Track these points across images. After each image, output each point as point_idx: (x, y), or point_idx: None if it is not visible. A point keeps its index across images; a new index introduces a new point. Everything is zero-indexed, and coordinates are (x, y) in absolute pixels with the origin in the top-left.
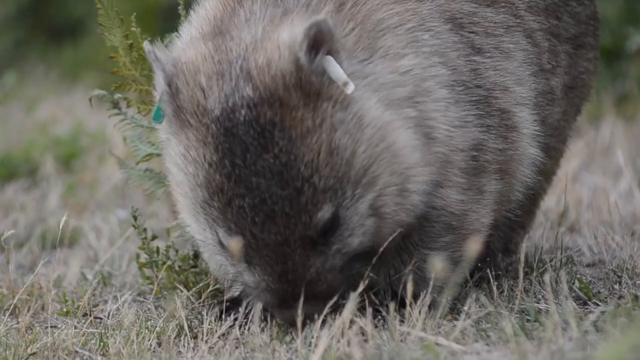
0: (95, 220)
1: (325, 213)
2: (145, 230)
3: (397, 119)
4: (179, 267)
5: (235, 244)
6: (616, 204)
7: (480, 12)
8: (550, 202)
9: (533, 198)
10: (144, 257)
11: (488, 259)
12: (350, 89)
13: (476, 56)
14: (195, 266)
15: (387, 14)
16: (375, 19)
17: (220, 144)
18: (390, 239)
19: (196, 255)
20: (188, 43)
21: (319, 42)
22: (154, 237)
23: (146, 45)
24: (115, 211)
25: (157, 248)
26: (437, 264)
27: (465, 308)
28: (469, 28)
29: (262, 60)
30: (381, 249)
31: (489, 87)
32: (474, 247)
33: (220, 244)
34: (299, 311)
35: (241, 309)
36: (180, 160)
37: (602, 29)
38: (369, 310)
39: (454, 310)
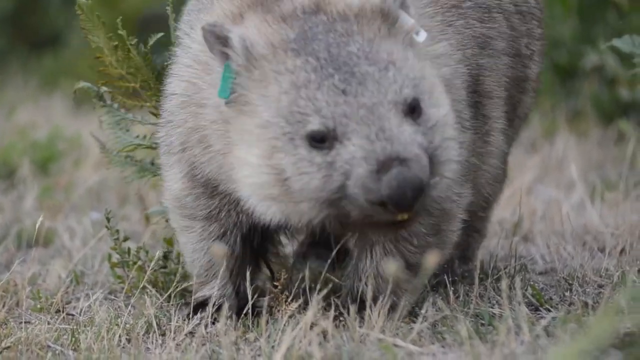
0: (69, 221)
1: (410, 93)
2: (117, 231)
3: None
4: (149, 267)
5: (219, 248)
6: (568, 215)
7: None
8: (505, 213)
9: (487, 203)
10: (115, 258)
11: (445, 266)
12: (422, 36)
13: (478, 58)
14: (164, 267)
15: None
16: None
17: (303, 49)
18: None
19: (165, 257)
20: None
21: None
22: (125, 239)
23: (207, 27)
24: (89, 213)
25: (129, 249)
26: (391, 266)
27: (423, 311)
28: (471, 17)
29: None
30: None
31: (481, 94)
32: (433, 260)
33: (309, 139)
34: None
35: (208, 309)
36: (253, 97)
37: (558, 48)
38: (331, 312)
39: (412, 313)
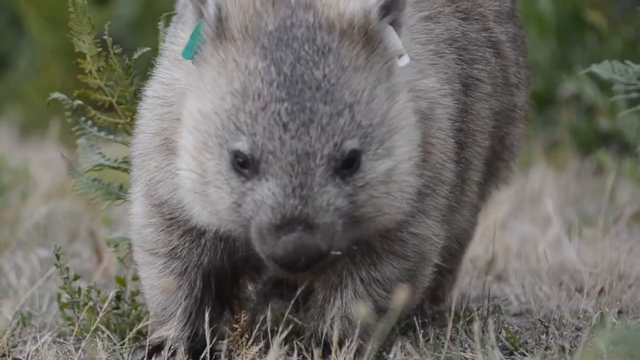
0: (15, 258)
1: (352, 145)
2: (67, 269)
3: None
4: (101, 308)
5: (168, 283)
6: (545, 253)
7: (467, 30)
8: (478, 250)
9: (461, 244)
10: (65, 298)
11: (415, 307)
12: (404, 61)
13: (463, 95)
14: (117, 307)
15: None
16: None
17: (270, 52)
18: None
19: (118, 297)
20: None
21: (389, 7)
22: (76, 277)
23: None
24: (36, 250)
25: (79, 288)
26: (361, 310)
27: (391, 356)
28: (461, 55)
29: None
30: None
31: (466, 133)
32: (401, 296)
33: (232, 157)
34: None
35: (164, 353)
36: (208, 78)
37: (534, 74)
38: (294, 356)
39: (380, 358)
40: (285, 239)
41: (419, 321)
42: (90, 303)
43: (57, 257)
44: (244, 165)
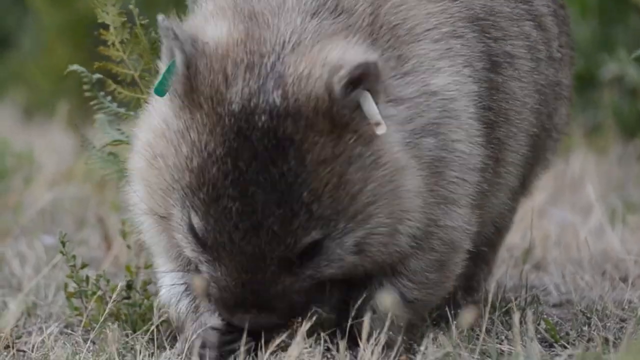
0: (19, 246)
1: (310, 239)
2: (74, 257)
3: (413, 160)
4: (110, 297)
5: (200, 281)
6: (586, 240)
7: (495, 6)
8: (515, 238)
9: (498, 232)
10: (72, 287)
11: (448, 296)
12: (381, 130)
13: (492, 73)
14: (128, 297)
15: (422, 16)
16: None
17: (229, 140)
18: None
19: (129, 286)
20: (208, 19)
21: (360, 80)
22: (83, 265)
23: (161, 20)
24: (41, 237)
25: (87, 277)
26: (386, 299)
27: (422, 348)
28: (489, 32)
29: (301, 69)
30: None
31: (496, 112)
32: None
33: (189, 226)
34: (250, 319)
35: (178, 344)
36: (175, 135)
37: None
38: (319, 348)
39: (410, 351)
40: (240, 316)
41: (452, 312)
42: (99, 292)
43: (63, 244)
44: (200, 239)
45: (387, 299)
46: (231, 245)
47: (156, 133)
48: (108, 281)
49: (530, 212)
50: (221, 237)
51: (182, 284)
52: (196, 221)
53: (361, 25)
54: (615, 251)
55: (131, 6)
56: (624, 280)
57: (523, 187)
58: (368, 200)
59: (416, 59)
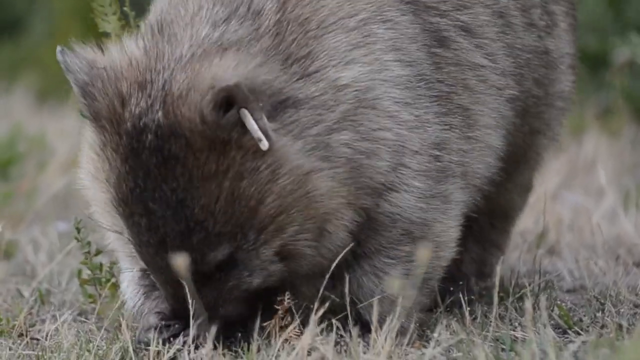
0: (33, 232)
1: (219, 254)
2: (88, 244)
3: (321, 164)
4: None
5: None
6: (599, 225)
7: None
8: (527, 223)
9: (507, 215)
10: (86, 274)
11: (460, 283)
12: (264, 146)
13: (439, 48)
14: None
15: (334, 4)
16: (321, 13)
17: (128, 159)
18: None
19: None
20: (130, 38)
21: (231, 101)
22: (97, 252)
23: (58, 52)
24: (55, 223)
25: (101, 264)
26: (394, 282)
27: (435, 335)
28: (432, 8)
29: (182, 88)
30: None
31: (450, 83)
32: (424, 254)
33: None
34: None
35: (191, 332)
36: (100, 153)
37: (586, 33)
38: (332, 335)
39: (423, 337)
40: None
41: (465, 298)
42: (113, 280)
43: (78, 230)
44: None
45: (394, 280)
46: (149, 260)
47: (92, 149)
48: None
49: (544, 196)
50: (141, 252)
51: (144, 284)
52: (126, 233)
53: (268, 26)
54: (628, 235)
55: (126, 8)
56: (638, 265)
57: (526, 157)
58: (273, 212)
59: (326, 54)
